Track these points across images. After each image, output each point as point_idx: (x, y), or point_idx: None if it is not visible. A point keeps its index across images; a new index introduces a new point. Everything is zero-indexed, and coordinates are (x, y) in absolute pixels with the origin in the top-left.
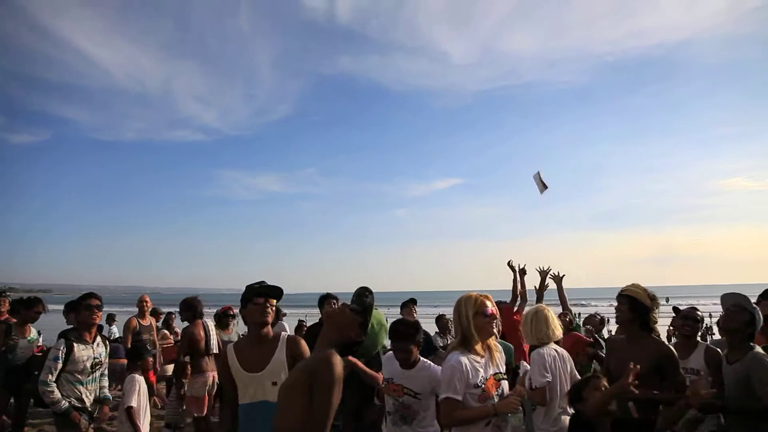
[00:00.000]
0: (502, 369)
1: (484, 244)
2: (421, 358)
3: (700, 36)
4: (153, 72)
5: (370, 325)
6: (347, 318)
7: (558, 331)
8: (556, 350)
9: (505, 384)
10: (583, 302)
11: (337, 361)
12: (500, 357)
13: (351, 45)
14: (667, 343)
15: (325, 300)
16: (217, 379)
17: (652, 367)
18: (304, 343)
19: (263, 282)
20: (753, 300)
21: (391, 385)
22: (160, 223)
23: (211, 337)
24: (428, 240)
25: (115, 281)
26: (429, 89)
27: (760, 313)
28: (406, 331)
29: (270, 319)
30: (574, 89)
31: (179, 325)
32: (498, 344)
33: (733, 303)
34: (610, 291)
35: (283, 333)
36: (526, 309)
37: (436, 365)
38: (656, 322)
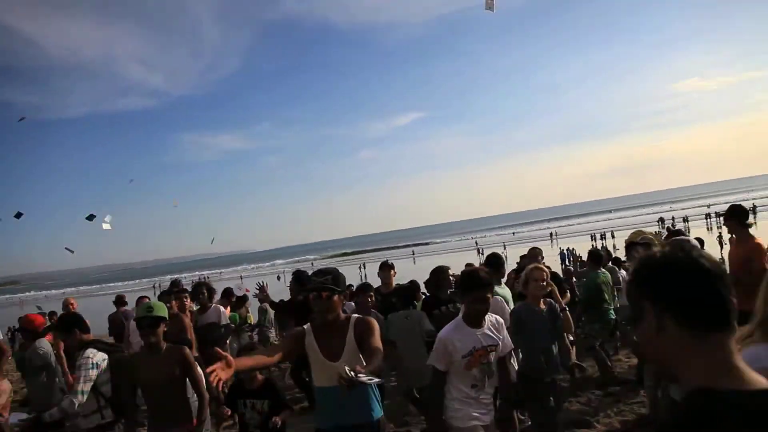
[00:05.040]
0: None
1: (453, 174)
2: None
3: None
4: (89, 40)
5: None
6: None
7: None
8: None
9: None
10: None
11: None
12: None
13: None
14: None
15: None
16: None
17: None
18: (372, 322)
19: (318, 275)
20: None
21: (477, 353)
22: (123, 195)
23: None
24: (398, 178)
25: (90, 261)
26: (380, 24)
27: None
28: (482, 277)
29: (330, 315)
30: (525, 3)
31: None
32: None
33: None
34: (583, 206)
35: (353, 316)
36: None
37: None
38: None
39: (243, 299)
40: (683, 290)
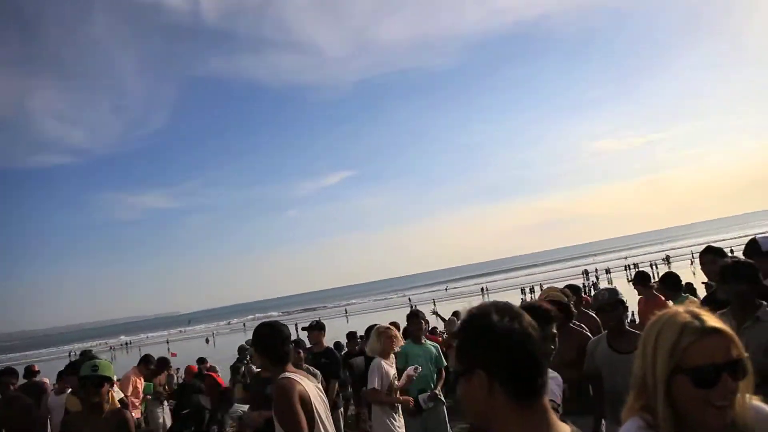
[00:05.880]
0: None
1: (383, 232)
2: None
3: (555, 9)
4: (2, 91)
5: None
6: None
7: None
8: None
9: None
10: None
11: None
12: None
13: (221, 45)
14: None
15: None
16: None
17: (580, 352)
18: (281, 397)
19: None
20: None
21: None
22: (33, 256)
23: None
24: (328, 237)
25: (4, 328)
26: (307, 84)
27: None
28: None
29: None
30: (447, 71)
31: None
32: None
33: (607, 302)
34: (512, 260)
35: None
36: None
37: None
38: (575, 312)
39: (164, 364)
40: (515, 366)
